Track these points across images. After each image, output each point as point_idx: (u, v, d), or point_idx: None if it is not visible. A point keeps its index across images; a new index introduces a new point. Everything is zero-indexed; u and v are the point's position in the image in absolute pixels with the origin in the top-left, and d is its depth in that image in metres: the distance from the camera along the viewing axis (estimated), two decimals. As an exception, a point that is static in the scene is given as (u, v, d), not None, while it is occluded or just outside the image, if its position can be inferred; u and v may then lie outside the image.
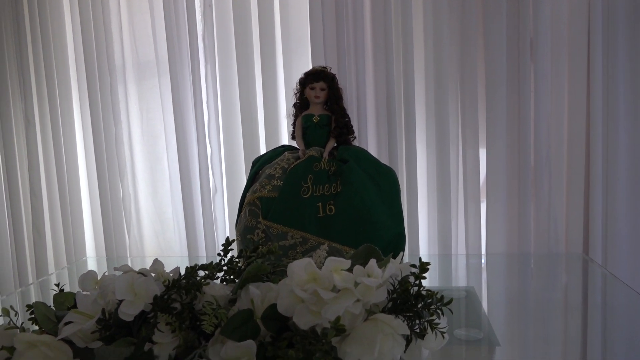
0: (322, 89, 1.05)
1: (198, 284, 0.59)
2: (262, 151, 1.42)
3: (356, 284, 0.53)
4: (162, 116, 1.51)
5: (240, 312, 0.54)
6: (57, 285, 0.73)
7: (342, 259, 0.54)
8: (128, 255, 1.56)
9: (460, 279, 1.23)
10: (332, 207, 0.98)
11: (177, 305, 0.58)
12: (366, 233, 0.97)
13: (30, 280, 1.60)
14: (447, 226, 1.36)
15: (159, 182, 1.55)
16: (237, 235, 1.04)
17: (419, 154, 1.37)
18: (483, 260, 1.35)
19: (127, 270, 0.64)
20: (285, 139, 1.42)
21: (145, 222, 1.57)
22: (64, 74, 1.54)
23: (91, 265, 1.51)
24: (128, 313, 0.58)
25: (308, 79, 1.06)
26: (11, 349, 0.63)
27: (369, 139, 1.36)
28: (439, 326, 0.55)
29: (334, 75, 1.07)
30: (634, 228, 1.27)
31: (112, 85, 1.50)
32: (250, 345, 0.51)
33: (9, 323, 0.66)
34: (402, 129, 1.36)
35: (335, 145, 1.06)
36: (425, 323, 0.54)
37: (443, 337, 0.54)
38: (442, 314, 0.55)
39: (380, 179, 1.02)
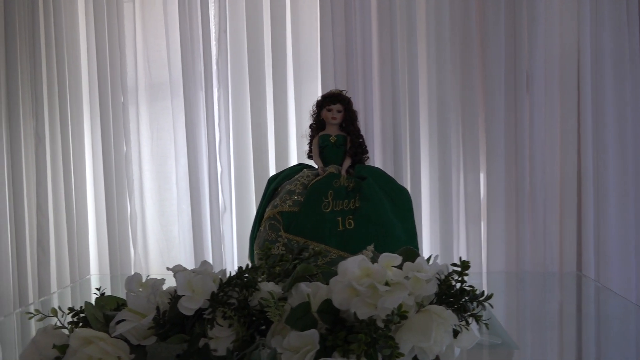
0: (339, 111, 1.11)
1: (254, 281, 0.63)
2: (271, 171, 1.46)
3: (407, 279, 0.59)
4: (172, 136, 1.55)
5: (301, 304, 0.58)
6: (98, 289, 0.76)
7: (395, 255, 0.59)
8: (132, 273, 1.56)
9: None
10: (351, 222, 1.03)
11: (233, 301, 0.62)
12: (383, 246, 1.01)
13: (31, 300, 1.57)
14: (450, 245, 1.42)
15: (166, 201, 1.58)
16: (256, 249, 1.08)
17: (423, 177, 1.44)
18: (484, 279, 1.41)
19: (180, 270, 0.68)
20: (294, 160, 1.48)
21: (151, 240, 1.58)
22: (76, 94, 1.57)
23: (95, 283, 1.50)
24: (189, 307, 0.61)
25: (325, 102, 1.12)
26: (60, 348, 0.65)
27: (376, 163, 1.43)
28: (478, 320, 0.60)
29: (350, 98, 1.14)
30: (624, 247, 1.36)
31: (125, 106, 1.54)
32: (314, 334, 0.55)
33: (55, 324, 0.69)
34: (407, 153, 1.43)
35: (350, 164, 1.12)
36: (468, 316, 0.59)
37: (487, 327, 0.59)
38: (484, 308, 0.60)
39: (395, 196, 1.08)
